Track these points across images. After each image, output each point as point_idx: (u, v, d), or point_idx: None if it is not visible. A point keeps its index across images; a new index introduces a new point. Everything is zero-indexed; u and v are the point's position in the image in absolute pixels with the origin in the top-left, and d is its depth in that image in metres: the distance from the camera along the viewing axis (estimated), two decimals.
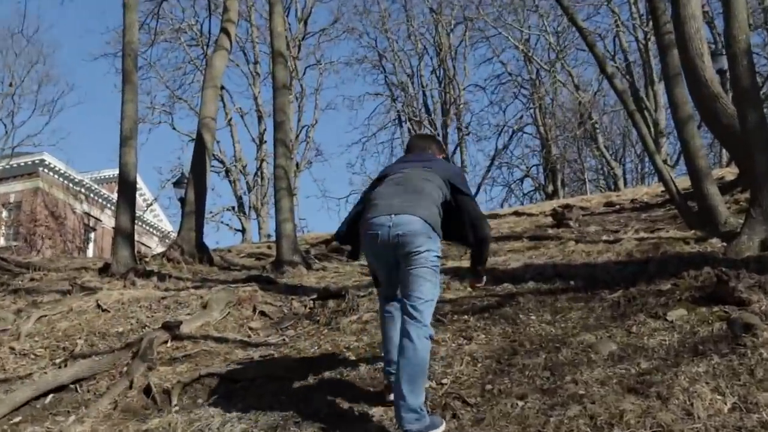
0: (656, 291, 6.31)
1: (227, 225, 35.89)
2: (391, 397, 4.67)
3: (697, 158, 9.91)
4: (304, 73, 36.99)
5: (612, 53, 32.61)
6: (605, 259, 8.46)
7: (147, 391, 5.91)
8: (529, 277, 7.80)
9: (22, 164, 35.38)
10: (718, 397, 4.18)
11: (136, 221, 13.65)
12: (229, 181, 35.51)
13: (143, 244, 39.17)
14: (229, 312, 7.88)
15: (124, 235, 12.29)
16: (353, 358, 5.92)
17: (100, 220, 39.39)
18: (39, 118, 62.56)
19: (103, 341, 7.46)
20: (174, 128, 35.34)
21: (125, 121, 12.86)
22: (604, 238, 9.88)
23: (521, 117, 37.87)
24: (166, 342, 6.96)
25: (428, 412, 4.42)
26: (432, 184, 4.78)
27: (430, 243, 4.59)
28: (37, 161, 35.31)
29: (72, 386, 6.29)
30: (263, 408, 5.05)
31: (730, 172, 14.88)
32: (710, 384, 4.32)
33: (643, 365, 4.78)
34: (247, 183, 35.51)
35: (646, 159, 34.26)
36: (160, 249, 31.14)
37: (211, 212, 32.22)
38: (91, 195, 38.87)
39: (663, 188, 11.90)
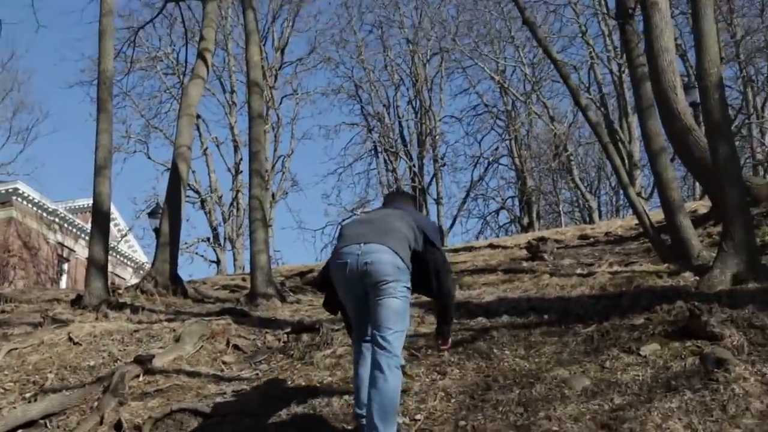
0: (629, 325, 6.32)
1: (202, 256, 35.65)
2: None
3: (670, 190, 9.98)
4: (280, 103, 37.07)
5: (587, 85, 32.94)
6: (579, 292, 8.48)
7: (118, 426, 5.84)
8: (504, 311, 7.79)
9: None
10: None
11: (110, 252, 13.56)
12: (205, 211, 35.38)
13: (117, 275, 38.87)
14: (202, 345, 7.82)
15: (97, 266, 12.19)
16: (327, 393, 5.88)
17: (74, 251, 39.03)
18: (13, 146, 62.29)
19: (74, 375, 7.37)
20: (149, 157, 35.20)
21: (99, 150, 12.77)
22: (578, 271, 9.91)
23: (497, 148, 38.11)
24: (138, 376, 6.89)
25: None
26: (404, 224, 4.80)
27: (399, 273, 4.59)
28: (11, 190, 34.94)
29: (42, 422, 6.18)
30: None
31: (704, 205, 14.98)
32: (683, 420, 4.33)
33: (616, 401, 4.78)
34: (222, 213, 35.40)
35: (621, 191, 34.54)
36: (134, 280, 30.95)
37: (185, 243, 32.12)
38: (65, 225, 38.53)
39: (637, 221, 11.96)
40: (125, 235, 38.54)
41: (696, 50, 8.46)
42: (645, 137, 10.71)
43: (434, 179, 37.16)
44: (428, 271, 4.86)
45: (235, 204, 34.89)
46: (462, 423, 4.89)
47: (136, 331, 8.63)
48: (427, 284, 4.92)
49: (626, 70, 25.35)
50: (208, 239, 34.85)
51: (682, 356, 5.36)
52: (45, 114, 79.01)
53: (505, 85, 35.01)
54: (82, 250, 36.33)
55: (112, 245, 26.99)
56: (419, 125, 37.72)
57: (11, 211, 34.73)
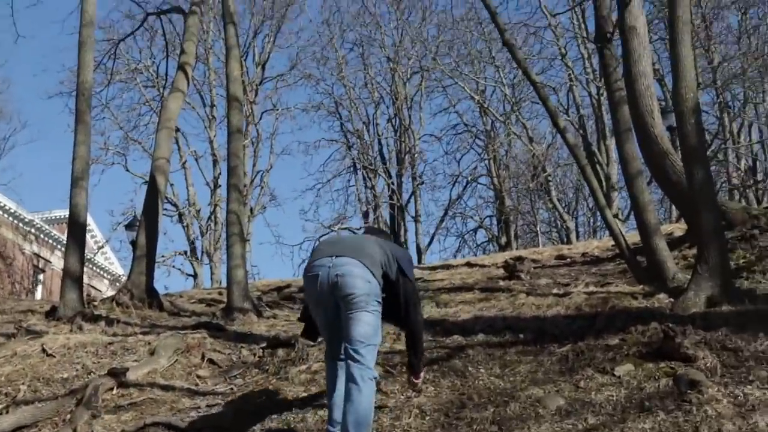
0: (604, 346, 6.36)
1: (179, 270, 35.44)
2: None
3: (646, 213, 10.04)
4: (260, 118, 36.96)
5: (565, 107, 33.05)
6: (555, 312, 8.52)
7: None
8: (479, 330, 7.83)
9: None
10: None
11: (86, 264, 13.48)
12: (183, 225, 35.20)
13: (93, 287, 38.61)
14: (177, 359, 7.79)
15: (72, 277, 12.11)
16: (301, 408, 5.87)
17: (50, 262, 38.80)
18: None
19: (47, 387, 7.33)
20: (127, 170, 34.91)
21: (77, 161, 12.70)
22: (555, 291, 9.94)
23: (476, 168, 38.09)
24: (111, 389, 6.86)
25: None
26: (378, 248, 4.88)
27: (370, 287, 4.63)
28: None
29: None
30: None
31: (679, 228, 15.07)
32: None
33: (590, 420, 4.80)
34: (200, 227, 35.23)
35: (599, 213, 34.74)
36: (110, 292, 30.75)
37: (163, 256, 31.92)
38: (41, 236, 38.32)
39: (613, 242, 12.02)
40: (102, 247, 38.27)
41: (673, 76, 8.53)
42: (622, 161, 10.78)
43: (413, 197, 37.15)
44: (399, 301, 4.91)
45: (213, 218, 34.73)
46: None
47: (110, 343, 8.58)
48: (396, 314, 4.99)
49: (605, 93, 25.58)
50: (186, 252, 34.68)
51: (656, 377, 5.40)
52: (23, 124, 78.43)
53: (485, 105, 35.11)
54: (58, 261, 36.12)
55: (88, 257, 26.82)
56: (398, 143, 37.75)
57: None
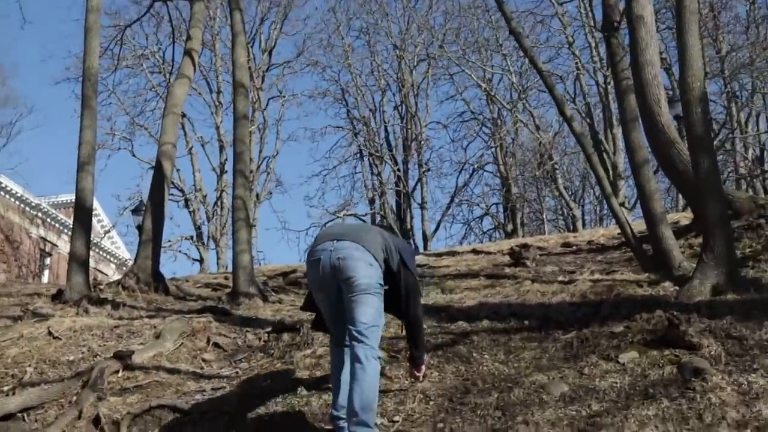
0: (609, 333, 6.36)
1: (185, 254, 35.58)
2: None
3: (652, 202, 10.04)
4: (267, 105, 36.96)
5: (572, 95, 32.92)
6: (560, 299, 8.52)
7: (96, 421, 5.83)
8: (484, 316, 7.83)
9: None
10: None
11: (92, 248, 13.51)
12: (189, 210, 35.26)
13: (100, 271, 38.72)
14: (182, 343, 7.80)
15: (78, 261, 12.16)
16: (306, 392, 5.88)
17: (57, 246, 38.86)
18: None
19: (53, 369, 7.35)
20: (134, 155, 35.01)
21: (83, 146, 12.74)
22: (560, 278, 9.94)
23: (482, 155, 37.98)
24: (117, 372, 6.88)
25: None
26: (381, 237, 4.89)
27: (372, 270, 4.65)
28: None
29: (19, 415, 6.17)
30: None
31: (686, 217, 15.05)
32: (660, 428, 4.36)
33: (594, 407, 4.81)
34: (206, 212, 35.30)
35: (605, 201, 34.68)
36: (117, 276, 30.83)
37: (169, 241, 31.99)
38: (48, 220, 38.38)
39: (619, 231, 12.01)
40: (108, 231, 38.35)
41: (680, 65, 8.51)
42: (629, 149, 10.77)
43: (419, 184, 37.15)
44: (399, 293, 4.92)
45: (219, 203, 34.79)
46: (440, 425, 4.91)
47: (116, 326, 8.60)
48: (397, 305, 5.01)
49: (612, 82, 25.52)
50: (192, 237, 34.74)
51: (660, 365, 5.40)
52: (30, 109, 78.40)
53: (492, 93, 35.02)
54: (64, 245, 36.18)
55: (95, 241, 26.89)
56: (405, 130, 37.70)
57: None
